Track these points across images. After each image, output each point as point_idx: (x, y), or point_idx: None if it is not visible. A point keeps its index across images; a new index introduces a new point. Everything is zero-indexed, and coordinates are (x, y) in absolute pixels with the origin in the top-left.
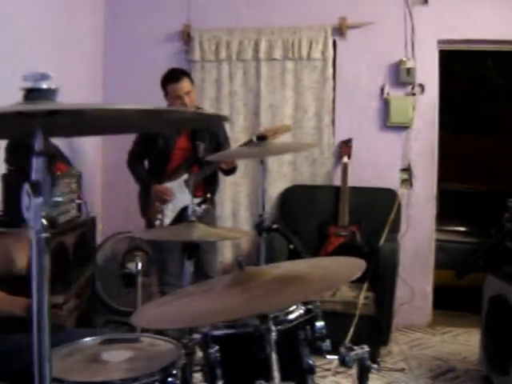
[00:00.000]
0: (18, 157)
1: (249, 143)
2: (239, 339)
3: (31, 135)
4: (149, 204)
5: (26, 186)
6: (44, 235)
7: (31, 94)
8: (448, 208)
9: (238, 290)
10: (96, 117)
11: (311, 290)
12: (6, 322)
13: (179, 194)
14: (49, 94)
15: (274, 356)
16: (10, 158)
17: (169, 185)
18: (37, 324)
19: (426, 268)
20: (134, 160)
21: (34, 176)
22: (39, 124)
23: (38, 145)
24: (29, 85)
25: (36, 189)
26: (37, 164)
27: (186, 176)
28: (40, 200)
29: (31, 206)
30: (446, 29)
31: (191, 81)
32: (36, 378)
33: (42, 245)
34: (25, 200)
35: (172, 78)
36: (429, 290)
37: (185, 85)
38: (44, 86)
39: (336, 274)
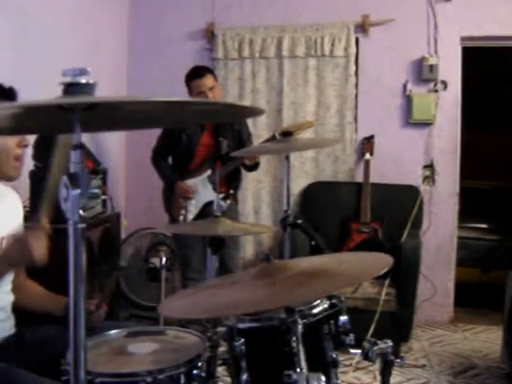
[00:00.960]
0: (46, 153)
1: (271, 139)
2: (264, 332)
3: (67, 129)
4: (172, 200)
5: (64, 178)
6: (81, 226)
7: (70, 88)
8: (470, 205)
9: (264, 283)
10: (130, 111)
11: (337, 284)
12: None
13: (202, 190)
14: (87, 88)
15: (301, 347)
16: (37, 155)
17: (192, 181)
18: (73, 315)
19: (447, 265)
20: (158, 156)
21: (71, 168)
22: (77, 118)
23: (77, 138)
24: (68, 79)
25: (74, 181)
26: (74, 157)
27: (209, 172)
28: (77, 192)
29: (69, 197)
30: (468, 25)
31: (215, 77)
32: (71, 369)
33: (79, 236)
34: (62, 192)
35: (195, 74)
36: (450, 286)
37: (208, 81)
38: (83, 80)
39: (362, 269)
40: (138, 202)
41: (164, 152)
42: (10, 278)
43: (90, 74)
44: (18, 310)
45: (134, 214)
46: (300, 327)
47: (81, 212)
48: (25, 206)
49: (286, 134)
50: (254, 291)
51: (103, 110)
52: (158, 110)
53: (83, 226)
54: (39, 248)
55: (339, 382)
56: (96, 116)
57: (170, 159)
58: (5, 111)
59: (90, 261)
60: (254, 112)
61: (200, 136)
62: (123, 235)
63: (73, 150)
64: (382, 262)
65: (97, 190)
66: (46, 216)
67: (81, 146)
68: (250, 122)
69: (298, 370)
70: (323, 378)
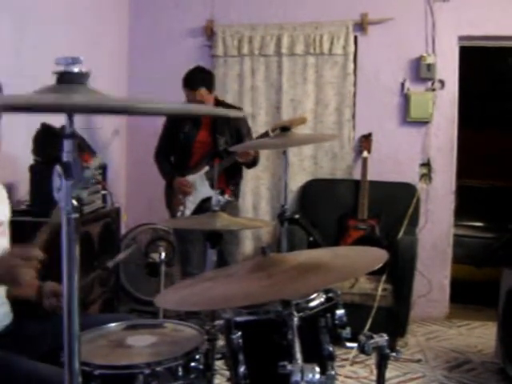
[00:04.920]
0: (45, 148)
1: (264, 136)
2: (261, 325)
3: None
4: (172, 196)
5: (57, 168)
6: (74, 216)
7: (63, 77)
8: (466, 203)
9: (260, 276)
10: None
11: (333, 277)
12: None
13: (200, 187)
14: (80, 77)
15: (296, 340)
16: (36, 150)
17: (191, 177)
18: (67, 305)
19: (443, 262)
20: (160, 155)
21: (64, 158)
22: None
23: (68, 127)
24: (61, 68)
25: (67, 170)
26: (67, 146)
27: (206, 169)
28: (70, 181)
29: (62, 187)
30: (466, 25)
31: (209, 89)
32: (65, 359)
33: (73, 226)
34: (55, 181)
35: (189, 84)
36: (446, 283)
37: (199, 94)
38: (75, 69)
39: (358, 263)
40: (139, 197)
41: (165, 151)
42: None
43: (90, 70)
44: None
45: (135, 208)
46: (296, 320)
47: (74, 202)
48: (25, 201)
49: (284, 129)
50: (249, 284)
51: (98, 110)
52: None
53: (76, 215)
54: (26, 274)
55: (333, 373)
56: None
57: (172, 157)
58: None
59: (90, 255)
60: (235, 115)
61: (196, 134)
62: (123, 230)
63: (65, 139)
64: (377, 256)
65: (89, 174)
66: (40, 246)
67: (73, 136)
68: (249, 118)
69: (293, 361)
70: (317, 369)
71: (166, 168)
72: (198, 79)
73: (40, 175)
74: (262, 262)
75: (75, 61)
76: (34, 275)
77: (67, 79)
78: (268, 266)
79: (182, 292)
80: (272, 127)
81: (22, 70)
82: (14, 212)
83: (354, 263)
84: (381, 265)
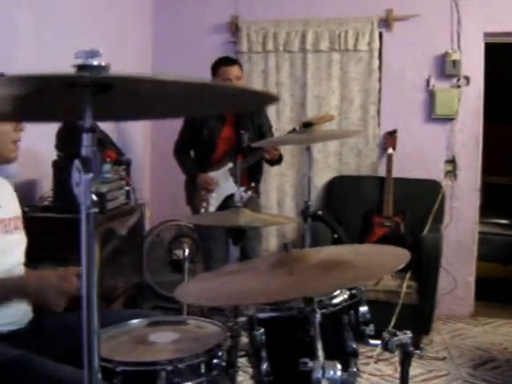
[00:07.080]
0: (68, 143)
1: (292, 133)
2: (284, 322)
3: (80, 115)
4: (194, 192)
5: (76, 162)
6: (93, 211)
7: (82, 70)
8: (491, 201)
9: (281, 272)
10: (146, 93)
11: (355, 277)
12: None
13: (224, 183)
14: (100, 70)
15: (318, 336)
16: (59, 145)
17: (214, 174)
18: (86, 300)
19: (468, 259)
20: (180, 150)
21: (83, 152)
22: (89, 99)
23: (88, 121)
24: (80, 62)
25: (86, 164)
26: (86, 140)
27: (230, 165)
28: (90, 176)
29: (81, 181)
30: (491, 21)
31: (241, 69)
32: (85, 356)
33: (92, 220)
34: (75, 176)
35: (225, 62)
36: (471, 280)
37: (236, 70)
38: (95, 62)
39: (380, 264)
40: (163, 193)
41: (186, 145)
42: (22, 260)
43: (109, 64)
44: None
45: (159, 205)
46: (318, 317)
47: (93, 196)
48: (48, 197)
49: (307, 124)
50: (269, 281)
51: (119, 92)
52: (177, 96)
53: (96, 210)
54: (58, 304)
55: (355, 370)
56: (112, 101)
57: (192, 152)
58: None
59: (114, 251)
60: (269, 98)
61: (221, 129)
62: (147, 227)
63: (85, 133)
64: (400, 257)
65: (110, 175)
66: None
67: (93, 130)
68: (273, 115)
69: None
70: (339, 366)
71: (188, 164)
72: (231, 58)
73: (63, 171)
74: (283, 258)
75: (94, 54)
76: (64, 304)
77: (86, 72)
78: (289, 262)
79: (203, 285)
80: (299, 124)
81: (42, 67)
82: (37, 208)
83: (377, 263)
84: (403, 265)
